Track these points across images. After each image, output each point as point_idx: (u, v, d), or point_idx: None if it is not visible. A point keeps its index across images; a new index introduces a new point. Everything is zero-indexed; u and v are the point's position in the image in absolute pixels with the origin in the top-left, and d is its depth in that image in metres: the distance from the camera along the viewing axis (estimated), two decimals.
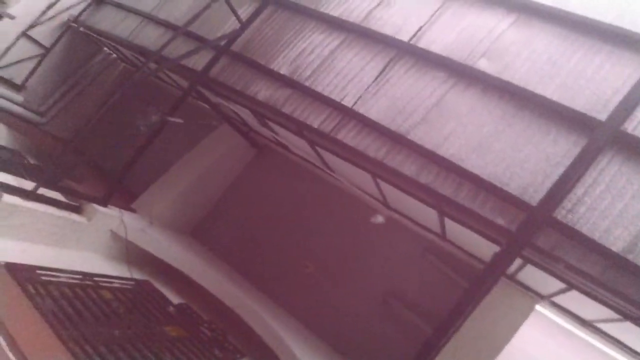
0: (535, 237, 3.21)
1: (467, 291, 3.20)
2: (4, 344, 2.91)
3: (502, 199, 3.41)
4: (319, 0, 5.10)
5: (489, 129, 3.66)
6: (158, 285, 5.24)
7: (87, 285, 4.09)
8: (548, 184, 3.30)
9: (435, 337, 3.13)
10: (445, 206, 3.77)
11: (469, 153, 3.60)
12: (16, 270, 3.53)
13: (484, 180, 3.47)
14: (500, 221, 3.36)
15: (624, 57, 3.51)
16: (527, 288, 4.96)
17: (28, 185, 4.35)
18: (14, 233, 3.97)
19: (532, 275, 4.21)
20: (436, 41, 4.24)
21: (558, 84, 3.63)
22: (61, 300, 3.61)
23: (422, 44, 4.27)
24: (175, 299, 5.22)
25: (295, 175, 7.07)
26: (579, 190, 3.22)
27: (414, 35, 4.36)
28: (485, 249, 4.18)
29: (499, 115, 3.70)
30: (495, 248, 3.72)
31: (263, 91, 4.80)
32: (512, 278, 4.85)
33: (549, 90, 3.61)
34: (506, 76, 3.79)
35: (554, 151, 3.42)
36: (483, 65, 3.92)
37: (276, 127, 5.32)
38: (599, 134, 3.26)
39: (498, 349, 4.85)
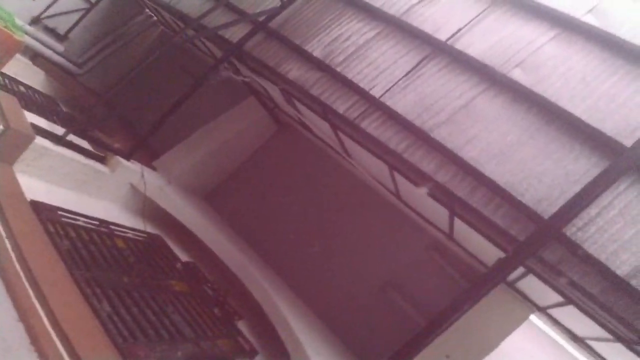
0: (542, 249, 3.25)
1: (465, 291, 3.27)
2: (21, 274, 3.09)
3: (516, 208, 3.45)
4: None
5: (512, 138, 3.68)
6: (169, 242, 5.44)
7: (102, 232, 4.27)
8: (563, 199, 3.32)
9: (427, 330, 3.23)
10: (457, 207, 3.82)
11: (489, 159, 3.64)
12: (40, 209, 3.70)
13: (500, 187, 3.51)
14: (509, 229, 3.41)
15: None
16: (525, 297, 5.01)
17: (59, 130, 4.52)
18: (42, 174, 4.15)
19: (532, 285, 4.25)
20: (473, 45, 4.24)
21: (589, 104, 3.62)
22: (77, 242, 3.78)
23: (460, 45, 4.28)
24: (183, 256, 5.42)
25: (314, 156, 7.20)
26: (592, 210, 3.24)
27: (452, 36, 4.37)
28: (490, 253, 4.23)
29: (525, 127, 3.71)
30: (501, 254, 3.77)
31: (294, 70, 4.87)
32: (512, 285, 4.90)
33: (579, 110, 3.61)
34: (538, 89, 3.79)
35: (574, 169, 3.44)
36: (517, 75, 3.92)
37: (302, 107, 5.40)
38: (622, 158, 3.27)
39: (487, 350, 4.93)
